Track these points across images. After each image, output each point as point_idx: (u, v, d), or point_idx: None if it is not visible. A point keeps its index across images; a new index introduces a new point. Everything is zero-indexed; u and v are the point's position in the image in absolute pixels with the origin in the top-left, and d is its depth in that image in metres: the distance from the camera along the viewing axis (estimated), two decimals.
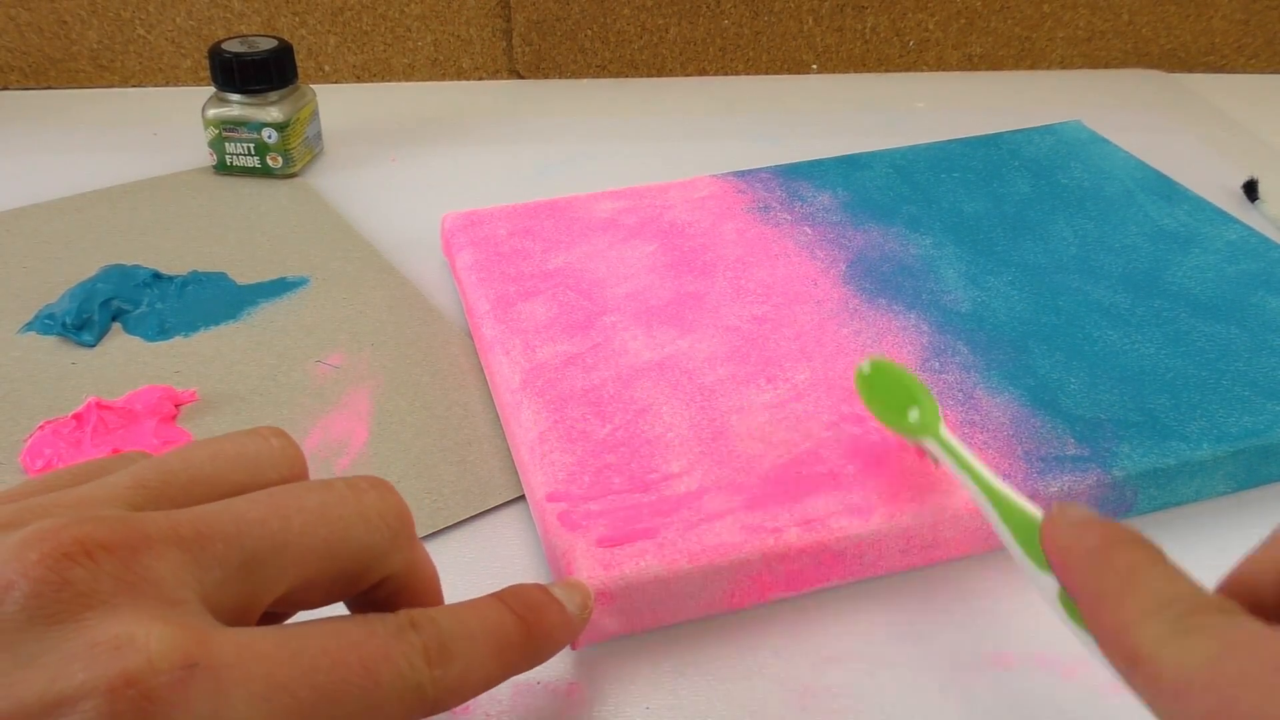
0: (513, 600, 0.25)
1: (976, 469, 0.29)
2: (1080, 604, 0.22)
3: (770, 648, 0.31)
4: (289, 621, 0.22)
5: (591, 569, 0.30)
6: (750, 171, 0.51)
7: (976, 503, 0.29)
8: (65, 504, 0.20)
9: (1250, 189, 0.56)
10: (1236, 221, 0.46)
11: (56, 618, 0.17)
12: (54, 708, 0.17)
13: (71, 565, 0.18)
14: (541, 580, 0.31)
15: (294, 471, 0.24)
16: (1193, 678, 0.19)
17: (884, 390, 0.33)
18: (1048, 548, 0.24)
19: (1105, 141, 0.53)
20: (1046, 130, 0.54)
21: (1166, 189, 0.49)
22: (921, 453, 0.33)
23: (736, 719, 0.29)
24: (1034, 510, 0.26)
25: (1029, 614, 0.32)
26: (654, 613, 0.31)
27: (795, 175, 0.51)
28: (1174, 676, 0.19)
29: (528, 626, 0.25)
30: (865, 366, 0.33)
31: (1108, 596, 0.21)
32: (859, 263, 0.44)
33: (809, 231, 0.46)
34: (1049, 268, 0.43)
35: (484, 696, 0.29)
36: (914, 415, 0.31)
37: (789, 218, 0.47)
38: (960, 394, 0.37)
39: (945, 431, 0.31)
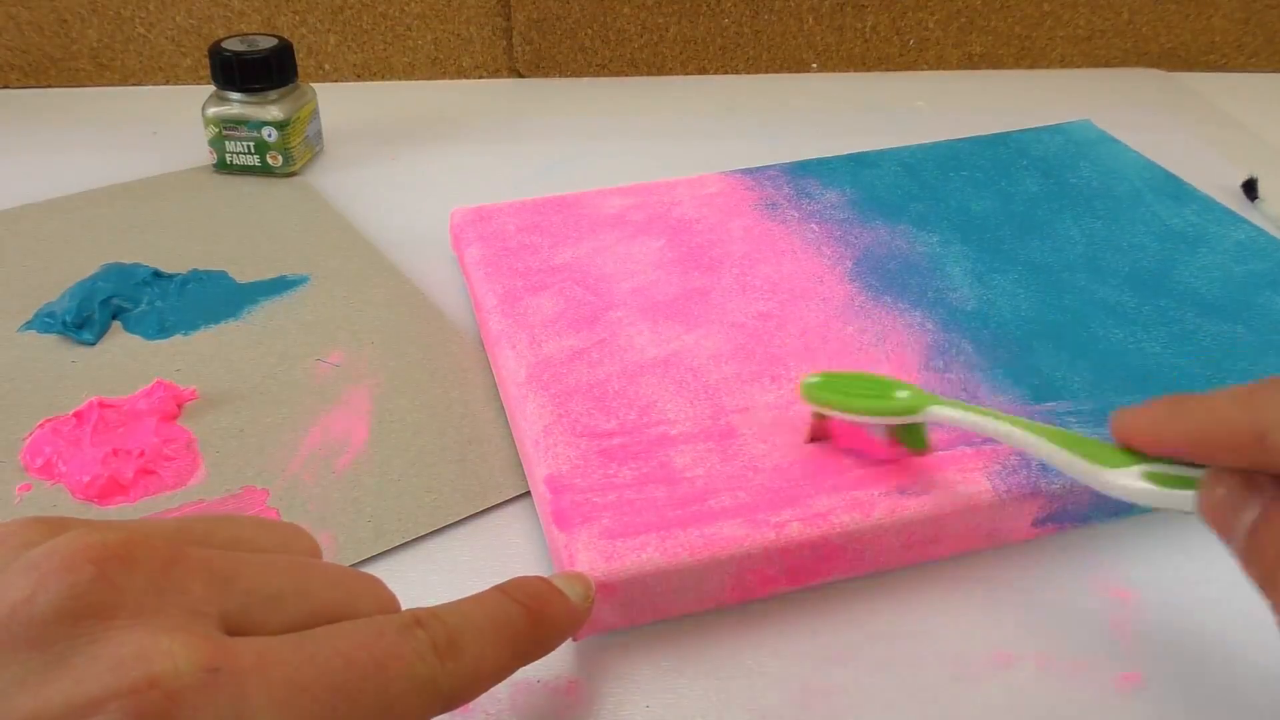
0: (515, 591, 0.26)
1: (996, 412, 0.29)
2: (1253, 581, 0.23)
3: (770, 647, 0.31)
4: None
5: (594, 561, 0.30)
6: (758, 169, 0.51)
7: (1011, 440, 0.28)
8: (107, 524, 0.21)
9: (1249, 188, 0.56)
10: (1245, 221, 0.46)
11: (88, 613, 0.18)
12: (82, 709, 0.17)
13: (112, 563, 0.19)
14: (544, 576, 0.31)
15: (314, 553, 0.26)
16: None
17: (847, 387, 0.32)
18: (1209, 514, 0.24)
19: (1114, 141, 0.53)
20: (1055, 129, 0.54)
21: (1175, 189, 0.49)
22: (894, 443, 0.32)
23: (736, 718, 0.29)
24: (1060, 427, 0.28)
25: (1029, 614, 0.32)
26: (656, 605, 0.31)
27: (803, 173, 0.50)
28: None
29: (532, 615, 0.25)
30: (811, 378, 0.33)
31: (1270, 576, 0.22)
32: (865, 260, 0.44)
33: (816, 229, 0.46)
34: (1056, 266, 0.43)
35: (483, 695, 0.29)
36: (903, 394, 0.31)
37: (796, 215, 0.47)
38: (964, 392, 0.37)
39: (937, 398, 0.31)
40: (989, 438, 0.30)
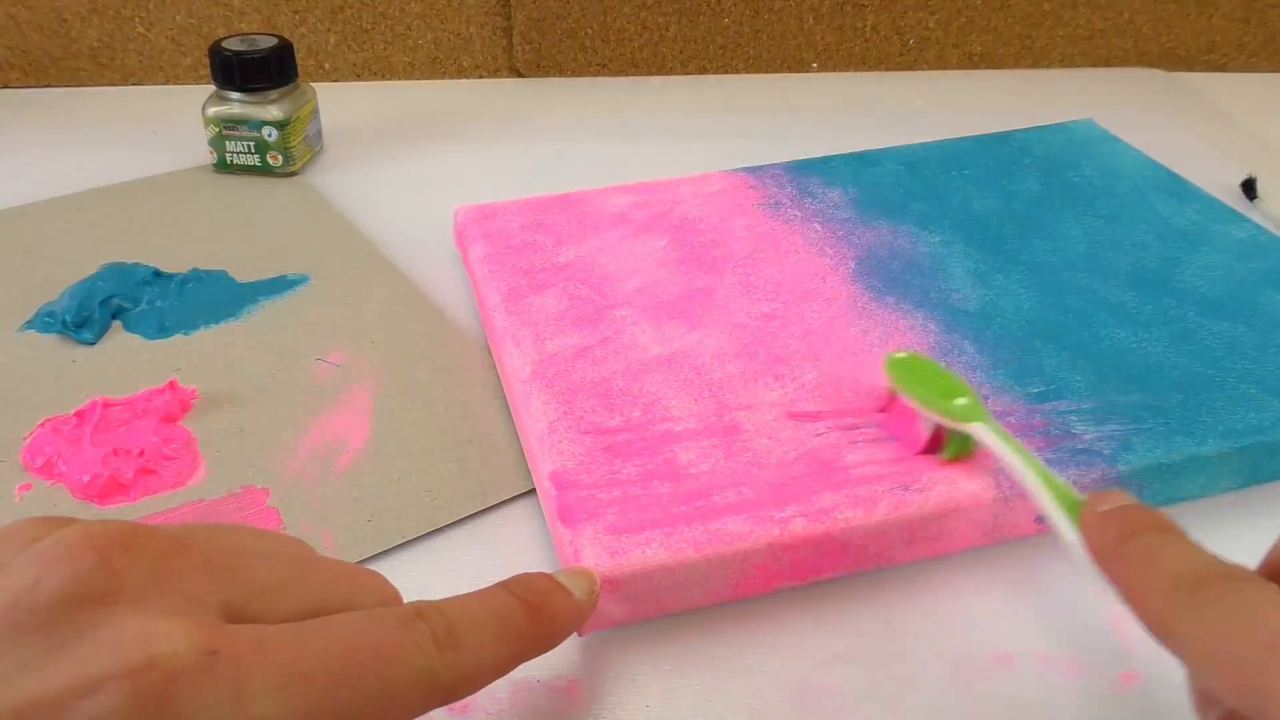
0: (518, 587, 0.26)
1: (1027, 452, 0.30)
2: (1121, 597, 0.24)
3: (771, 646, 0.31)
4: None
5: (599, 556, 0.30)
6: (761, 167, 0.51)
7: (1025, 484, 0.29)
8: (111, 520, 0.22)
9: (1249, 187, 0.56)
10: (1246, 220, 0.46)
11: (90, 598, 0.19)
12: (81, 691, 0.17)
13: (114, 550, 0.19)
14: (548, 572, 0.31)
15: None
16: (1217, 649, 0.20)
17: (922, 377, 0.34)
18: (1087, 545, 0.26)
19: (1116, 140, 0.53)
20: (1058, 128, 0.54)
21: (1177, 187, 0.49)
22: (936, 444, 0.33)
23: (736, 718, 0.29)
24: (1077, 493, 0.28)
25: (1029, 614, 0.32)
26: (659, 601, 0.31)
27: (806, 171, 0.50)
28: (1199, 650, 0.20)
29: (534, 611, 0.25)
30: (899, 354, 0.35)
31: (1134, 587, 0.23)
32: (868, 260, 0.44)
33: (819, 228, 0.46)
34: (1058, 266, 0.43)
35: (483, 694, 0.29)
36: (961, 401, 0.33)
37: (799, 214, 0.47)
38: None
39: (992, 419, 0.32)
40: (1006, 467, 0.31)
